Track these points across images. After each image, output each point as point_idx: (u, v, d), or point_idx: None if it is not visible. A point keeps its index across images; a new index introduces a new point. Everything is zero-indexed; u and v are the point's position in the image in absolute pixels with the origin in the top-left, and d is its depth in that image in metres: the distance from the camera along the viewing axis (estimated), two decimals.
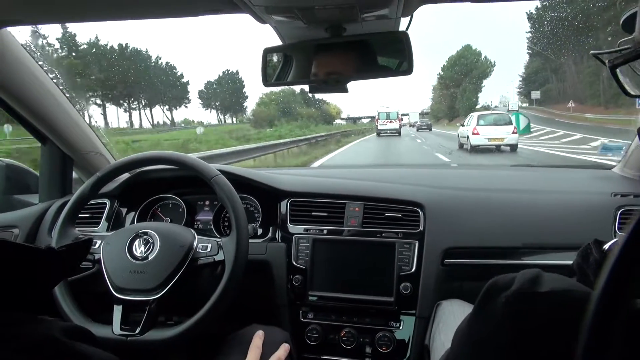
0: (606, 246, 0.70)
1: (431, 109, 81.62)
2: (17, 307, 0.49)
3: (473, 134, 13.66)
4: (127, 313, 1.02)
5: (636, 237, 0.35)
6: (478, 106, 59.51)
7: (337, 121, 72.15)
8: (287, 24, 0.98)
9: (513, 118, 14.40)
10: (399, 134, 31.44)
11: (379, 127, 32.49)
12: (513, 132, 13.35)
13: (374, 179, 1.52)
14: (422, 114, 79.71)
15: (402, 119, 38.45)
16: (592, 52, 0.95)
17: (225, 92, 77.80)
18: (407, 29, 1.01)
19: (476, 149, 13.45)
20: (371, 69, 1.04)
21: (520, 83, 63.80)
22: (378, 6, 0.88)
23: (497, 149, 13.51)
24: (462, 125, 15.83)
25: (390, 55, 1.04)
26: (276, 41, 1.07)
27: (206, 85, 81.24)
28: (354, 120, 76.39)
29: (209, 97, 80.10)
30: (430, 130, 39.26)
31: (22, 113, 1.32)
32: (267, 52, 1.06)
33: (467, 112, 41.37)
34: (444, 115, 70.28)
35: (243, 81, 79.12)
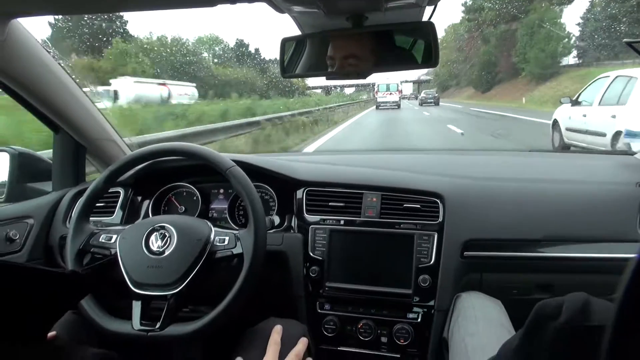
0: None
1: (437, 73, 58.11)
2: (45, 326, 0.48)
3: None
4: (146, 308, 1.01)
5: None
6: (567, 58, 33.03)
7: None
8: (307, 14, 0.94)
9: None
10: (399, 106, 30.42)
11: (379, 100, 31.46)
12: None
13: (391, 167, 1.49)
14: (417, 82, 66.16)
15: (401, 91, 36.73)
16: (625, 40, 0.91)
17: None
18: (430, 18, 0.97)
19: None
20: (393, 60, 1.01)
21: None
22: None
23: None
24: (575, 102, 7.20)
25: (413, 46, 1.00)
26: (294, 30, 1.03)
27: None
28: (327, 90, 58.07)
29: None
30: (437, 104, 33.71)
31: (34, 103, 1.30)
32: (286, 41, 1.03)
33: (540, 69, 29.57)
34: (468, 82, 47.47)
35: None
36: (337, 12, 0.92)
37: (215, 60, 48.41)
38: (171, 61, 34.67)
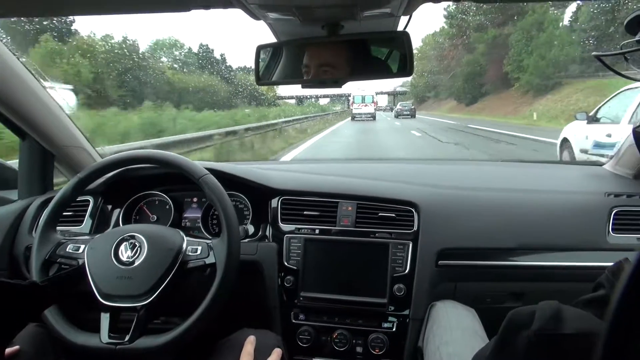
0: None
1: (413, 84, 56.10)
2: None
3: None
4: (115, 320, 0.98)
5: None
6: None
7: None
8: (282, 21, 0.93)
9: None
10: (374, 117, 30.69)
11: (354, 111, 31.65)
12: None
13: (367, 176, 1.49)
14: (393, 94, 65.57)
15: (377, 103, 37.15)
16: (594, 53, 0.93)
17: None
18: (405, 27, 0.98)
19: None
20: (368, 68, 1.01)
21: None
22: (380, 4, 0.84)
23: None
24: (593, 119, 6.06)
25: (388, 55, 1.01)
26: (269, 38, 1.03)
27: None
28: (300, 100, 59.18)
29: None
30: (414, 117, 32.87)
31: None
32: (260, 48, 1.02)
33: (540, 79, 25.38)
34: (449, 94, 44.02)
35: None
36: (312, 20, 0.92)
37: (175, 66, 44.00)
38: (115, 65, 30.93)
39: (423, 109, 49.88)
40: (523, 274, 1.27)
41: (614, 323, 0.33)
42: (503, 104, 30.11)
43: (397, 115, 33.58)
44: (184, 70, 43.18)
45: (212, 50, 48.20)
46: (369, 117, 30.12)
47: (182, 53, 46.78)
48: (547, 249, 1.25)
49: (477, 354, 0.67)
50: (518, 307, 0.58)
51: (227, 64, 49.54)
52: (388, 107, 57.03)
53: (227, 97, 39.07)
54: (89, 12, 0.97)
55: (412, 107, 36.53)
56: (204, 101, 31.34)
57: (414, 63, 0.93)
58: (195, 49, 47.71)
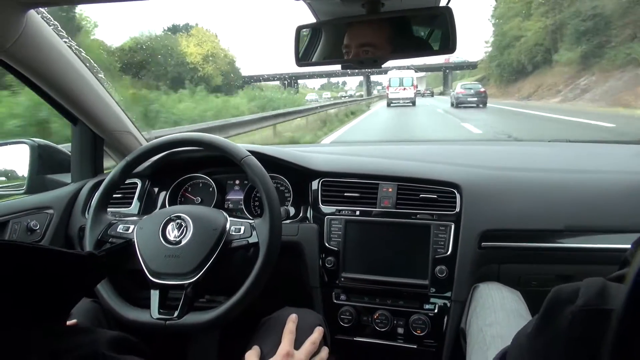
0: None
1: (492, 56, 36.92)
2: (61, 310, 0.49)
3: None
4: (164, 297, 1.02)
5: None
6: None
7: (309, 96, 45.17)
8: (322, 1, 0.93)
9: None
10: (413, 103, 26.60)
11: (390, 96, 27.73)
12: None
13: (407, 158, 1.47)
14: (443, 69, 49.57)
15: (417, 86, 30.75)
16: None
17: None
18: (448, 3, 0.95)
19: None
20: (411, 46, 0.99)
21: None
22: None
23: None
24: None
25: (431, 32, 0.98)
26: (309, 18, 1.02)
27: None
28: (289, 81, 48.39)
29: None
30: (432, 95, 31.18)
31: (52, 94, 1.31)
32: (300, 29, 1.02)
33: None
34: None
35: None
36: None
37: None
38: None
39: (507, 96, 32.01)
40: (570, 257, 1.23)
41: (629, 299, 0.32)
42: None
43: (457, 104, 22.08)
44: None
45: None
46: (408, 103, 26.79)
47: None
48: (595, 231, 1.20)
49: (519, 332, 0.65)
50: (562, 285, 0.56)
51: None
52: (428, 92, 43.51)
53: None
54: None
55: (482, 89, 22.88)
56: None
57: (457, 39, 0.90)
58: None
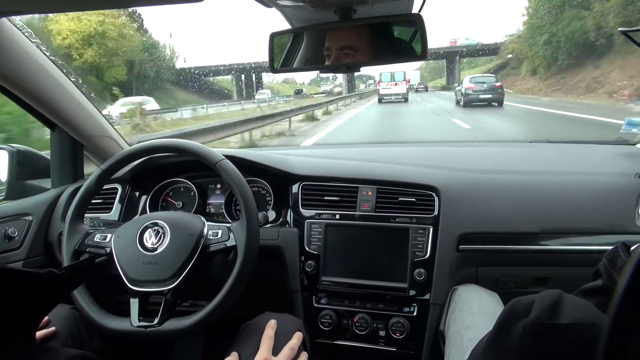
0: (634, 247, 0.67)
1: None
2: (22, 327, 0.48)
3: None
4: (144, 304, 1.02)
5: None
6: None
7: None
8: (294, 8, 0.93)
9: None
10: (406, 99, 25.60)
11: (381, 92, 26.76)
12: None
13: (387, 160, 1.48)
14: (453, 54, 41.17)
15: (409, 81, 29.58)
16: (620, 29, 0.89)
17: None
18: (420, 10, 0.95)
19: None
20: (384, 53, 1.00)
21: None
22: None
23: None
24: None
25: (413, 37, 0.98)
26: (283, 25, 1.02)
27: None
28: (299, 92, 45.38)
29: None
30: (427, 90, 31.73)
31: (28, 101, 1.30)
32: (274, 36, 1.02)
33: None
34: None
35: None
36: (324, 5, 0.91)
37: None
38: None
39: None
40: (547, 259, 1.24)
41: (616, 318, 0.33)
42: None
43: (465, 103, 18.19)
44: None
45: None
46: (400, 99, 25.81)
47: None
48: (572, 233, 1.21)
49: (477, 343, 0.66)
50: (519, 297, 0.57)
51: None
52: (422, 86, 40.69)
53: None
54: (110, 6, 0.99)
55: (497, 83, 18.89)
56: None
57: (427, 46, 0.91)
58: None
